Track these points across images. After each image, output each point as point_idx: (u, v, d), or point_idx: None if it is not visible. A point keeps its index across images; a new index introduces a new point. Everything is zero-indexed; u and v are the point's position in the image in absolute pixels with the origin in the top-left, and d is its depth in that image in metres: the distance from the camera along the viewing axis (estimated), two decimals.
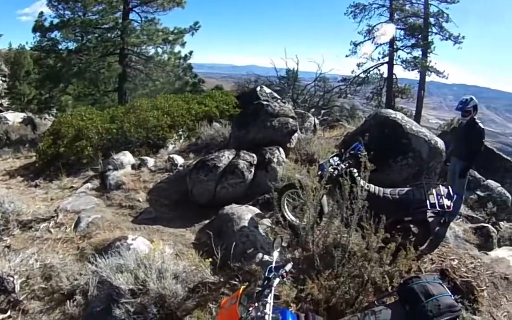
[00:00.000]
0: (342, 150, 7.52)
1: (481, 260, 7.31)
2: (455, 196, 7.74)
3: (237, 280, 5.76)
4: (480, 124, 8.21)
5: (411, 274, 5.06)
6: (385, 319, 3.88)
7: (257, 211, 7.58)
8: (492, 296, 6.60)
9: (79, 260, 6.54)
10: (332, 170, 6.80)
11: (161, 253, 5.89)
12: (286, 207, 7.34)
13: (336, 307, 5.17)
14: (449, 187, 7.28)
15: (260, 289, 3.49)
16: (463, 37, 34.06)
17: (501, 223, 10.14)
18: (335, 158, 7.15)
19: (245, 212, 7.28)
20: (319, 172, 7.05)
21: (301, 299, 5.40)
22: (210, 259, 5.98)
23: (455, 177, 8.31)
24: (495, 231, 9.06)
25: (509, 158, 14.63)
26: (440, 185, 7.09)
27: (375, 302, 4.74)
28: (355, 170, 6.63)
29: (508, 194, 11.33)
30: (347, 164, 6.87)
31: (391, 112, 11.46)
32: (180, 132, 12.93)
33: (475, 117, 8.16)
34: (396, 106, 35.11)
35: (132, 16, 25.58)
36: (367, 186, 6.46)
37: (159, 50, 25.92)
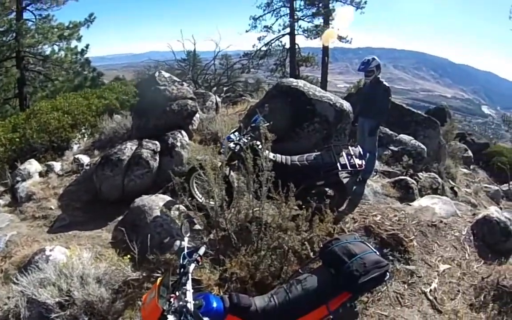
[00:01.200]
0: (241, 125, 7.82)
1: (404, 211, 7.93)
2: (367, 154, 8.16)
3: (159, 272, 5.85)
4: (385, 82, 8.75)
5: (334, 236, 5.05)
6: (312, 286, 4.09)
7: (168, 198, 7.70)
8: (423, 244, 7.15)
9: (5, 282, 6.41)
10: (234, 145, 7.05)
11: (79, 259, 5.82)
12: (196, 189, 7.55)
13: (263, 282, 5.38)
14: (359, 146, 7.97)
15: (177, 278, 3.61)
16: (365, 2, 35.60)
17: (420, 174, 10.88)
18: (236, 133, 7.38)
19: (156, 202, 7.42)
20: (222, 150, 7.38)
21: (226, 279, 5.56)
22: (129, 256, 6.04)
23: (365, 136, 8.80)
24: (415, 182, 9.74)
25: (419, 111, 15.86)
26: (350, 146, 7.58)
27: (299, 270, 5.02)
28: (258, 143, 6.83)
29: (422, 146, 12.13)
30: (249, 138, 7.11)
31: (292, 81, 11.72)
32: (83, 130, 12.89)
33: (379, 76, 8.72)
34: (301, 75, 36.61)
35: (26, 15, 24.83)
36: (273, 156, 6.76)
37: (55, 47, 25.19)
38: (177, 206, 7.41)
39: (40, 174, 10.45)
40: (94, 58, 29.16)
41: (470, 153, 19.11)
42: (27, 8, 24.73)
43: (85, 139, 12.75)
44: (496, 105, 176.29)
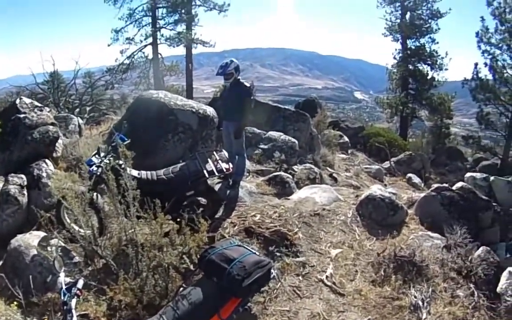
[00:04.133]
0: (100, 146, 7.63)
1: (284, 206, 8.06)
2: (236, 157, 8.28)
3: (47, 314, 5.59)
4: (246, 83, 9.00)
5: (215, 244, 5.16)
6: (198, 298, 4.12)
7: (43, 234, 7.22)
8: (309, 234, 7.31)
9: None
10: (96, 168, 6.87)
11: None
12: (67, 220, 7.24)
13: (152, 303, 5.31)
14: (224, 150, 7.95)
15: (62, 316, 3.50)
16: (229, 5, 36.65)
17: (295, 167, 11.23)
18: (96, 155, 7.19)
19: (31, 239, 7.01)
20: (88, 174, 7.13)
21: (116, 309, 5.44)
22: (15, 302, 5.67)
23: (232, 139, 8.96)
24: (290, 176, 10.00)
25: (286, 107, 16.60)
26: (215, 151, 7.58)
27: (183, 285, 5.06)
28: (120, 162, 6.58)
29: (293, 140, 12.47)
30: (111, 158, 6.88)
31: (152, 93, 11.82)
32: None
33: (238, 77, 8.92)
34: (166, 85, 36.36)
35: None
36: (138, 173, 6.75)
37: None
38: (53, 241, 6.95)
39: None
40: None
41: (346, 139, 19.73)
42: None
43: None
44: (368, 89, 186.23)
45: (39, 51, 22.11)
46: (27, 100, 11.64)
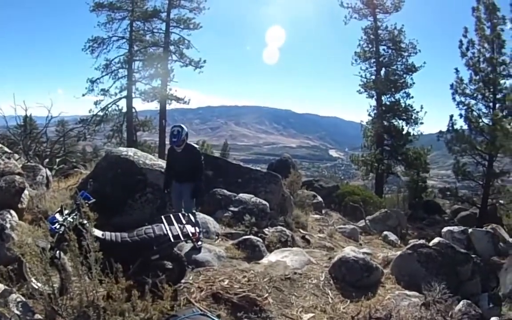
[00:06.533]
0: (62, 205, 7.41)
1: (254, 270, 7.93)
2: (190, 215, 8.22)
3: None
4: (195, 146, 9.55)
5: (171, 313, 5.30)
6: None
7: (3, 287, 6.86)
8: (279, 299, 7.14)
9: None
10: (59, 226, 6.66)
11: None
12: (29, 274, 6.98)
13: None
14: (180, 213, 7.91)
15: None
16: (204, 61, 37.70)
17: (266, 229, 11.15)
18: (60, 213, 7.00)
19: None
20: (50, 232, 7.05)
21: None
22: None
23: (185, 199, 9.22)
24: (260, 240, 9.93)
25: (257, 168, 16.61)
26: (181, 214, 7.55)
27: None
28: (85, 221, 6.48)
29: (264, 202, 12.44)
30: (75, 217, 6.75)
31: (122, 150, 11.90)
32: None
33: (188, 141, 9.31)
34: (138, 140, 37.18)
35: None
36: (102, 234, 6.66)
37: None
38: (12, 295, 6.63)
39: None
40: None
41: (319, 199, 19.77)
42: None
43: None
44: (343, 147, 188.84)
45: (12, 93, 21.98)
46: None
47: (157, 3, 37.94)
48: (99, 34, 37.44)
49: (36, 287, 6.47)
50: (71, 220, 6.62)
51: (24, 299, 6.46)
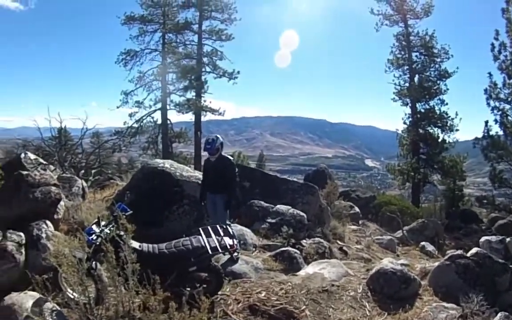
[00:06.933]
0: (100, 217, 7.43)
1: (291, 282, 7.82)
2: (233, 232, 8.26)
3: None
4: (229, 157, 9.53)
5: None
6: None
7: (38, 295, 6.99)
8: (316, 311, 7.00)
9: None
10: (96, 237, 6.70)
11: None
12: (65, 284, 7.08)
13: None
14: (218, 225, 7.88)
15: None
16: (238, 73, 37.84)
17: (303, 241, 11.04)
18: (97, 224, 7.06)
19: (25, 300, 6.86)
20: (87, 243, 7.15)
21: None
22: None
23: (218, 211, 9.25)
24: (298, 251, 9.81)
25: (294, 179, 16.49)
26: (219, 226, 7.51)
27: None
28: (121, 233, 6.59)
29: (302, 213, 12.31)
30: (112, 228, 6.83)
31: (158, 162, 11.95)
32: None
33: (222, 152, 9.40)
34: (174, 151, 37.44)
35: None
36: (139, 246, 6.70)
37: None
38: (47, 304, 6.72)
39: None
40: None
41: (356, 209, 19.64)
42: None
43: None
44: (379, 156, 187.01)
45: (47, 105, 22.14)
46: (32, 156, 11.69)
47: (188, 15, 38.38)
48: (131, 46, 37.92)
49: (72, 297, 6.56)
50: (108, 231, 6.71)
51: (59, 308, 6.55)
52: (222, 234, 7.25)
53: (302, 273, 8.78)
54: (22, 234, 8.94)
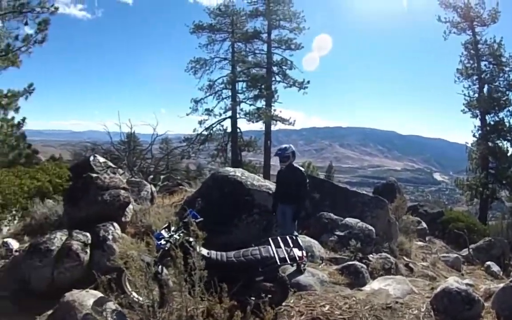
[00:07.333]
0: (170, 222, 7.71)
1: (355, 297, 7.72)
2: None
3: None
4: (301, 168, 9.54)
5: None
6: None
7: (100, 294, 7.17)
8: None
9: None
10: (164, 242, 6.84)
11: None
12: (128, 285, 7.24)
13: None
14: (288, 236, 7.81)
15: None
16: (308, 82, 37.76)
17: (370, 256, 10.86)
18: (166, 229, 7.23)
19: (87, 298, 7.01)
20: (156, 248, 7.27)
21: None
22: None
23: (287, 222, 9.29)
24: (364, 266, 9.70)
25: (364, 192, 16.22)
26: (288, 237, 7.46)
27: None
28: (190, 239, 6.61)
29: (370, 227, 12.13)
30: (181, 234, 6.93)
31: (229, 170, 12.13)
32: (14, 212, 12.37)
33: (293, 162, 9.44)
34: (243, 160, 37.73)
35: None
36: (207, 253, 6.71)
37: None
38: (109, 303, 6.89)
39: None
40: (31, 131, 28.14)
41: (424, 225, 19.16)
42: None
43: (15, 222, 12.33)
44: (448, 170, 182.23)
45: (117, 111, 22.68)
46: (101, 159, 12.04)
47: (257, 24, 38.94)
48: (200, 55, 38.67)
49: (136, 299, 6.77)
50: (177, 237, 6.80)
51: (119, 309, 6.70)
52: (291, 245, 7.22)
53: (367, 288, 8.71)
54: (88, 234, 9.35)
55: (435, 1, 33.96)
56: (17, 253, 10.05)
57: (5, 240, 10.58)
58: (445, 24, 33.82)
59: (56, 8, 23.17)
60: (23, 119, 24.63)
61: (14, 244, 10.45)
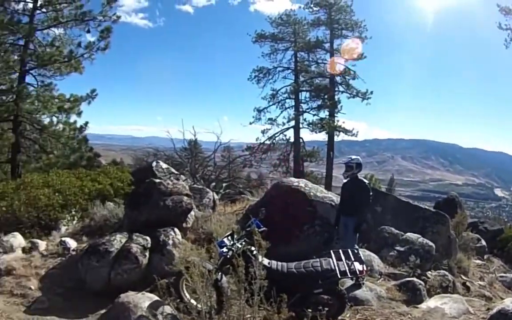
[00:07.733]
0: (234, 230, 7.78)
1: (411, 315, 7.72)
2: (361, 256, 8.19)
3: None
4: (365, 180, 9.48)
5: None
6: None
7: (155, 298, 7.40)
8: None
9: None
10: (226, 250, 6.88)
11: None
12: (185, 291, 7.33)
13: None
14: (350, 249, 7.73)
15: None
16: (371, 93, 37.27)
17: (428, 273, 10.71)
18: (229, 237, 7.24)
19: (142, 300, 7.17)
20: (218, 255, 7.14)
21: None
22: None
23: (348, 234, 9.22)
24: (422, 283, 9.52)
25: (426, 207, 15.83)
26: (349, 250, 7.39)
27: None
28: (252, 248, 6.70)
29: (430, 243, 11.84)
30: (243, 243, 6.97)
31: (293, 181, 12.08)
32: (73, 212, 12.60)
33: (357, 174, 9.39)
34: (305, 170, 37.20)
35: (28, 79, 24.50)
36: (268, 262, 6.76)
37: (54, 119, 24.97)
38: (164, 307, 7.14)
39: (23, 250, 10.25)
40: (92, 135, 28.99)
41: (483, 243, 18.60)
42: (30, 71, 24.63)
43: (74, 222, 12.57)
44: (509, 186, 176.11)
45: (180, 118, 23.05)
46: (164, 165, 12.22)
47: (319, 34, 38.71)
48: (263, 64, 38.90)
49: (194, 304, 6.68)
50: (239, 246, 6.84)
51: (174, 312, 6.75)
52: (352, 258, 7.17)
53: (423, 306, 8.61)
54: (148, 238, 9.49)
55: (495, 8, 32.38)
56: (74, 252, 10.31)
57: (63, 239, 10.82)
58: (505, 32, 32.34)
59: (118, 17, 24.06)
60: (86, 123, 25.44)
61: (72, 243, 10.70)
